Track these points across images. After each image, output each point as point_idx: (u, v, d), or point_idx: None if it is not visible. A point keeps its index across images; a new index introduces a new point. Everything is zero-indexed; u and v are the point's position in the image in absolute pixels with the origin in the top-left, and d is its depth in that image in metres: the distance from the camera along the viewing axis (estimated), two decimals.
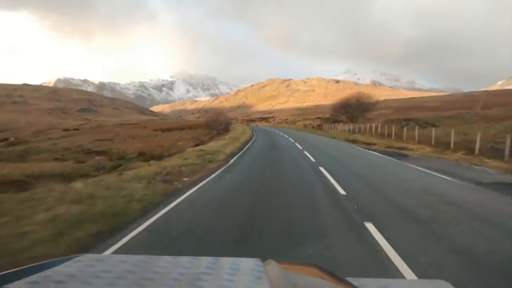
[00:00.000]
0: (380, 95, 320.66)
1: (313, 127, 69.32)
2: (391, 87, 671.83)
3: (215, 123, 48.84)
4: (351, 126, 48.35)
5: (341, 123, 55.81)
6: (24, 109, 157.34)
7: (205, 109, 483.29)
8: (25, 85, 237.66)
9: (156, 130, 62.78)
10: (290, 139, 32.54)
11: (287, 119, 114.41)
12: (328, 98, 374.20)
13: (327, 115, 78.56)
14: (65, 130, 75.84)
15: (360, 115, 60.10)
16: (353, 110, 61.62)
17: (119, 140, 49.11)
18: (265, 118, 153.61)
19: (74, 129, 75.54)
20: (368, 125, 41.06)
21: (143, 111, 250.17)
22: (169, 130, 60.21)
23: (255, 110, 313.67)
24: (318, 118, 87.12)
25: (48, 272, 1.03)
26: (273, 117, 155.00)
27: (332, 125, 57.95)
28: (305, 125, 78.30)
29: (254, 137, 36.75)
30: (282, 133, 44.39)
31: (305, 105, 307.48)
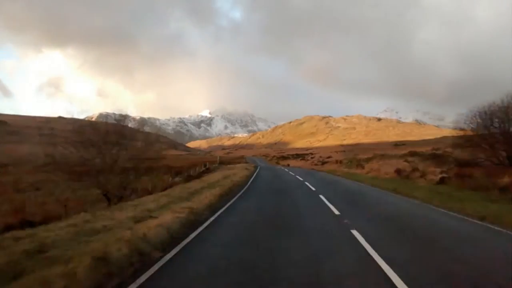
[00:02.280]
0: (426, 134, 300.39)
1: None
2: (436, 126, 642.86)
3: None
4: None
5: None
6: (50, 141, 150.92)
7: (240, 145, 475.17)
8: (60, 118, 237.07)
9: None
10: None
11: (330, 157, 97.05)
12: (369, 136, 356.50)
13: (436, 150, 50.25)
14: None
15: None
16: None
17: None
18: (301, 155, 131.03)
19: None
20: None
21: (176, 146, 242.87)
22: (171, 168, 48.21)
23: (292, 147, 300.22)
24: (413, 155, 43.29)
25: None
26: (312, 154, 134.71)
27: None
28: (398, 172, 29.97)
29: None
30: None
31: (345, 142, 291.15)
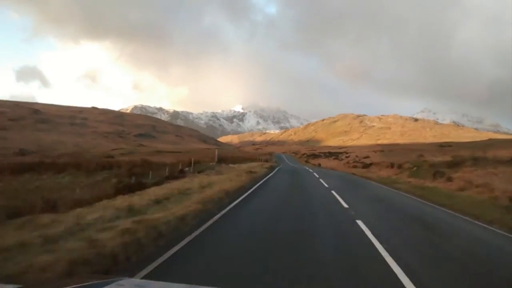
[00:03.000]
0: (464, 136, 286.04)
1: None
2: (475, 129, 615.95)
3: None
4: None
5: None
6: (80, 131, 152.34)
7: (272, 141, 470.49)
8: (93, 108, 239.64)
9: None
10: None
11: (367, 157, 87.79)
12: (405, 137, 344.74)
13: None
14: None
15: None
16: None
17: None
18: (334, 154, 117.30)
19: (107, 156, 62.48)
20: None
21: (206, 140, 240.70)
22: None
23: (324, 145, 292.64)
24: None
25: None
26: (346, 153, 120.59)
27: None
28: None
29: None
30: None
31: (379, 142, 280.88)
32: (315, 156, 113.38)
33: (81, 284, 1.08)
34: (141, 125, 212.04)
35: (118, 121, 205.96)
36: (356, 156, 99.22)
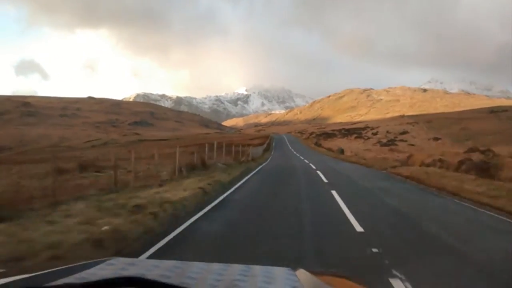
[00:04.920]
0: (476, 104, 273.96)
1: None
2: (486, 96, 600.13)
3: None
4: None
5: None
6: (70, 122, 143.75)
7: (278, 121, 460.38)
8: (89, 98, 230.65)
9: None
10: None
11: (406, 132, 69.63)
12: (414, 108, 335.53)
13: None
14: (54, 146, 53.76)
15: None
16: None
17: None
18: (352, 131, 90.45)
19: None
20: None
21: (208, 124, 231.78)
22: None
23: (332, 122, 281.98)
24: None
25: (82, 274, 1.02)
26: (371, 128, 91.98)
27: None
28: None
29: None
30: None
31: (388, 116, 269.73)
32: (327, 135, 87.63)
33: (71, 265, 1.08)
34: (139, 112, 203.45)
35: (114, 110, 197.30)
36: (388, 132, 77.52)
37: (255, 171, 21.18)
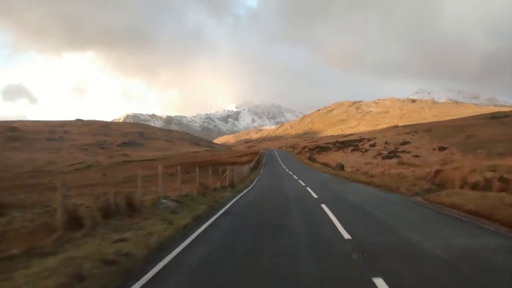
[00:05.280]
0: (465, 113, 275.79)
1: None
2: (474, 104, 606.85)
3: None
4: None
5: None
6: (57, 146, 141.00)
7: (268, 137, 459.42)
8: (77, 120, 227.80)
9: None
10: None
11: (406, 142, 65.13)
12: (404, 119, 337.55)
13: None
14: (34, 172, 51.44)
15: None
16: None
17: None
18: (347, 143, 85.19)
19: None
20: None
21: (198, 142, 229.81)
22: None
23: (323, 135, 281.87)
24: None
25: None
26: (367, 140, 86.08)
27: None
28: None
29: None
30: None
31: (378, 127, 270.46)
32: (321, 149, 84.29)
33: None
34: (128, 133, 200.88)
35: (103, 131, 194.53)
36: (386, 143, 72.75)
37: (225, 209, 13.36)
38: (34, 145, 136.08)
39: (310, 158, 62.99)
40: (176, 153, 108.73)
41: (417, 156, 50.12)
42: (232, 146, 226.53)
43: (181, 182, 16.58)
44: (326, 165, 49.88)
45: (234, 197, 17.38)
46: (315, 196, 16.71)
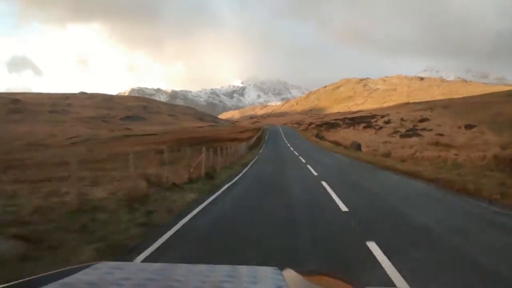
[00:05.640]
0: (474, 91, 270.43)
1: None
2: (482, 83, 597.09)
3: None
4: None
5: None
6: (59, 118, 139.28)
7: (274, 113, 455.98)
8: (81, 93, 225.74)
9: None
10: None
11: (425, 119, 58.26)
12: (412, 97, 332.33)
13: None
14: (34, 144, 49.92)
15: None
16: None
17: None
18: (359, 120, 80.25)
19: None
20: None
21: (203, 117, 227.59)
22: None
23: (329, 112, 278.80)
24: None
25: (68, 279, 1.01)
26: (381, 116, 79.71)
27: None
28: None
29: None
30: None
31: (385, 105, 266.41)
32: (329, 125, 78.52)
33: (57, 271, 1.05)
34: (132, 107, 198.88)
35: (107, 105, 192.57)
36: (403, 120, 67.00)
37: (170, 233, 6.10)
38: (37, 117, 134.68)
39: (317, 136, 57.45)
40: (179, 128, 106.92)
41: (441, 134, 45.48)
42: (237, 121, 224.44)
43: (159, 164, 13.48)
44: (337, 143, 43.75)
45: (186, 214, 7.59)
46: (343, 207, 8.15)
